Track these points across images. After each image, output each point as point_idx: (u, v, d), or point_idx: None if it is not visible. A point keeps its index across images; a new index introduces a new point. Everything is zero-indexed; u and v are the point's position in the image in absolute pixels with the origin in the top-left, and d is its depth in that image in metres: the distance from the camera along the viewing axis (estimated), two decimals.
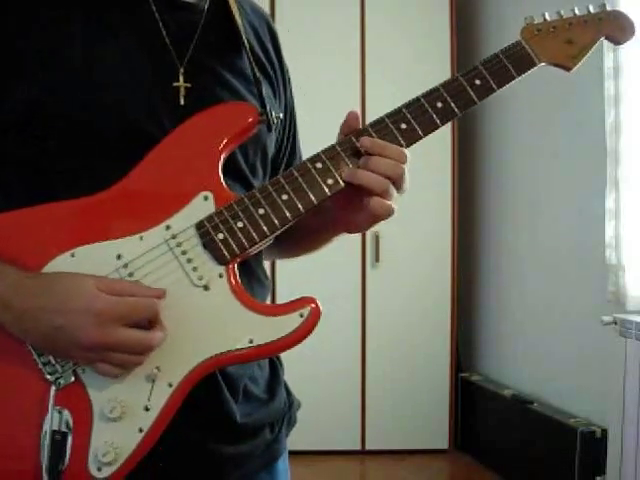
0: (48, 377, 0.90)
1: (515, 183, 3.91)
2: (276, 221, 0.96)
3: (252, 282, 1.06)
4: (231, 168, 1.01)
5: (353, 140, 0.99)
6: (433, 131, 1.00)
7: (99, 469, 0.89)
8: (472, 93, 1.01)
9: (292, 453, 1.18)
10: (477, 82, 1.01)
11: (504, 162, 4.04)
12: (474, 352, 4.26)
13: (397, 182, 0.98)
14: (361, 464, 4.02)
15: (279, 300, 0.95)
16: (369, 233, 3.95)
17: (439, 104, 1.00)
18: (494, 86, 1.01)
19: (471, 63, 1.02)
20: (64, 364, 0.91)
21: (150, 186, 0.96)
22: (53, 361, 0.91)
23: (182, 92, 1.00)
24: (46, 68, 0.95)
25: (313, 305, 0.95)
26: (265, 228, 0.96)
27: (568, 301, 3.40)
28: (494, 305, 4.12)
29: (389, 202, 0.98)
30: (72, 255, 0.92)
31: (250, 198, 0.96)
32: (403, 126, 0.99)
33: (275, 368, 1.15)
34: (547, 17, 1.05)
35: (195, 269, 0.94)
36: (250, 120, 0.99)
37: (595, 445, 2.99)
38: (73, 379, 0.91)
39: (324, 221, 1.09)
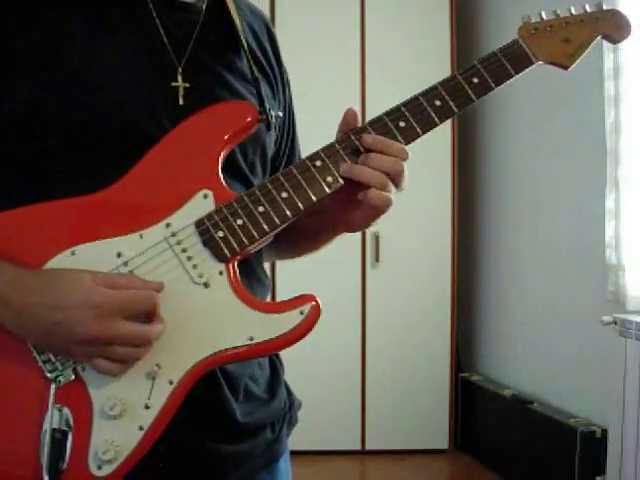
0: (48, 375, 0.90)
1: (515, 183, 3.91)
2: (276, 219, 0.96)
3: (252, 281, 1.06)
4: (230, 166, 1.01)
5: (352, 138, 0.99)
6: (431, 129, 1.01)
7: (99, 467, 0.89)
8: (470, 91, 1.01)
9: (292, 453, 1.18)
10: (475, 80, 1.02)
11: (504, 162, 4.04)
12: (474, 352, 4.26)
13: (396, 179, 0.99)
14: (361, 464, 4.02)
15: (279, 300, 0.95)
16: (369, 233, 3.96)
17: (437, 102, 1.01)
18: (492, 84, 1.02)
19: (471, 63, 1.03)
20: (64, 362, 0.91)
21: (150, 184, 0.96)
22: (53, 359, 0.91)
23: (181, 92, 1.01)
24: (46, 68, 0.95)
25: (313, 302, 0.95)
26: (265, 226, 0.96)
27: (568, 301, 3.40)
28: (494, 305, 4.12)
29: (386, 193, 0.98)
30: (72, 253, 0.93)
31: (250, 196, 0.96)
32: (402, 124, 1.00)
33: (275, 368, 1.15)
34: (544, 16, 1.06)
35: (195, 267, 0.94)
36: (249, 119, 1.00)
37: (595, 445, 2.99)
38: (73, 377, 0.91)
39: (323, 221, 1.09)
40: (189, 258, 0.94)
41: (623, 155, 2.89)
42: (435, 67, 3.81)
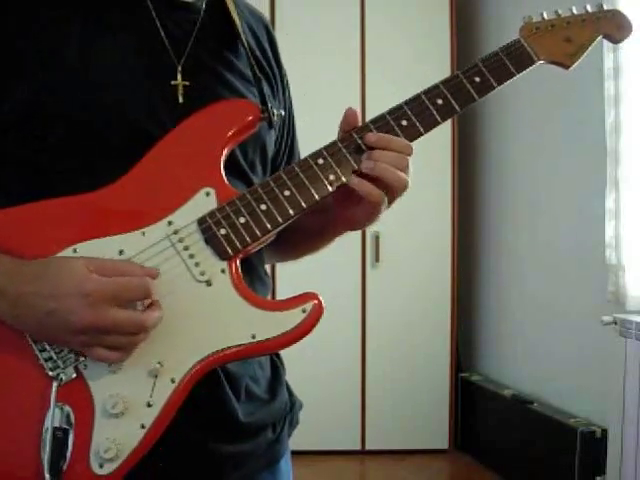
0: (50, 373, 0.90)
1: (515, 183, 3.91)
2: (278, 217, 0.96)
3: (254, 279, 1.06)
4: (230, 165, 1.01)
5: (355, 136, 0.99)
6: (433, 127, 1.01)
7: (101, 465, 0.89)
8: (472, 90, 1.02)
9: (292, 453, 1.17)
10: (477, 79, 1.02)
11: (504, 162, 4.04)
12: (474, 352, 4.26)
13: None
14: (361, 464, 4.02)
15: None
16: (369, 233, 3.96)
17: (439, 101, 1.01)
18: (494, 83, 1.02)
19: (472, 62, 1.03)
20: (66, 359, 0.91)
21: (152, 182, 0.96)
22: (55, 357, 0.90)
23: (180, 90, 1.01)
24: (46, 68, 0.95)
25: (316, 301, 0.95)
26: (267, 224, 0.96)
27: (568, 301, 3.40)
28: (494, 305, 4.12)
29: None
30: (74, 251, 0.92)
31: (252, 194, 0.96)
32: (404, 123, 1.00)
33: (276, 368, 1.14)
34: (545, 16, 1.06)
35: (197, 264, 0.94)
36: (251, 117, 1.00)
37: (595, 445, 2.99)
38: (75, 375, 0.90)
39: (325, 221, 1.10)
40: (191, 256, 0.94)
41: (623, 155, 2.89)
42: (435, 67, 3.81)
